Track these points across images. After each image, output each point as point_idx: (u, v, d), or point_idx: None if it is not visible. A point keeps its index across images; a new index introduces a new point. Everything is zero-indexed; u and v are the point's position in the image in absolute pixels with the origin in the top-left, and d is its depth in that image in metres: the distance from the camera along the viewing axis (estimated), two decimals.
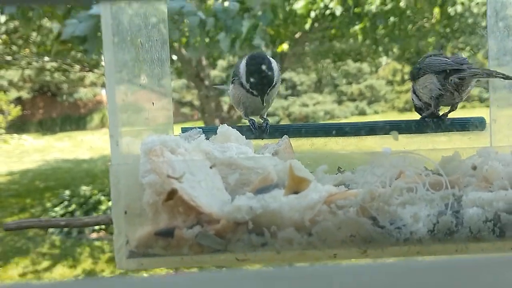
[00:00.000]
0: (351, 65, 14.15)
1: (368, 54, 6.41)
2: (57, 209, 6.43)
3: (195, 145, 0.72)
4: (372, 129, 0.92)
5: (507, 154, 0.69)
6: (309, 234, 0.57)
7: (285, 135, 0.89)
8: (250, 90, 0.96)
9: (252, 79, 0.96)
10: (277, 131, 0.94)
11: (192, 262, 0.58)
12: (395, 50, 5.48)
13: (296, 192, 0.59)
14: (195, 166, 0.62)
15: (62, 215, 6.10)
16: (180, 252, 0.57)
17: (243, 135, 0.82)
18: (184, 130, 0.94)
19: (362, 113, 17.26)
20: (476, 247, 0.56)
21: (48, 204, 7.18)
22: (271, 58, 0.98)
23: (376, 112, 17.02)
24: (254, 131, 0.95)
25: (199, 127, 0.93)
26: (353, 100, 17.83)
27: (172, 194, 0.57)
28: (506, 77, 0.84)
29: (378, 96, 17.48)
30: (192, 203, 0.57)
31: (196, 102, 8.54)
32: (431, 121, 0.94)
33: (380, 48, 5.32)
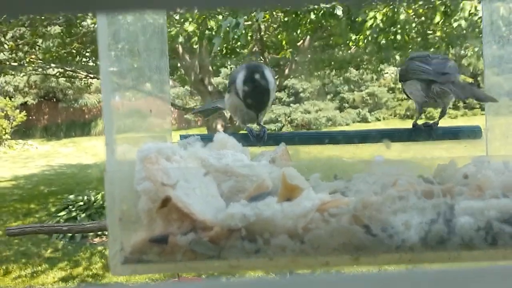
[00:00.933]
0: (353, 73, 14.17)
1: (370, 61, 6.43)
2: (61, 214, 6.46)
3: (191, 152, 0.73)
4: (364, 137, 0.93)
5: (500, 162, 0.69)
6: (301, 242, 0.57)
7: (282, 143, 0.89)
8: (247, 107, 0.98)
9: (249, 99, 0.97)
10: (270, 139, 0.95)
11: (185, 268, 0.59)
12: (397, 57, 5.49)
13: (289, 200, 0.59)
14: (190, 173, 0.63)
15: (66, 220, 6.13)
16: (174, 258, 0.58)
17: (240, 142, 0.82)
18: (182, 137, 0.95)
19: (364, 120, 17.28)
20: (468, 255, 0.57)
21: (53, 209, 7.22)
22: (267, 69, 0.98)
23: (378, 119, 17.03)
24: (252, 139, 0.96)
25: (197, 135, 0.94)
26: (355, 107, 17.85)
27: (166, 202, 0.57)
28: (481, 99, 0.85)
29: (380, 104, 17.51)
30: (186, 210, 0.58)
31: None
32: (423, 130, 0.94)
33: (382, 55, 5.34)
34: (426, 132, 0.94)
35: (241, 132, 1.06)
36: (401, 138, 0.94)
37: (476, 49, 4.93)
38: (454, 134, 0.93)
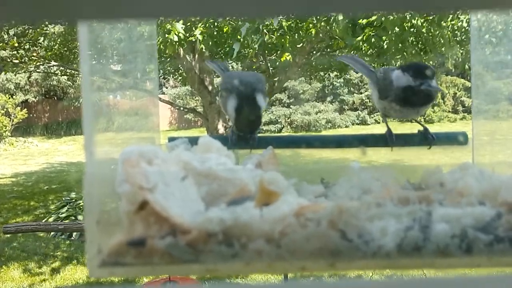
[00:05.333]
0: (353, 75, 14.21)
1: (370, 64, 6.42)
2: (60, 211, 6.48)
3: (175, 155, 0.73)
4: (340, 142, 0.93)
5: (483, 169, 0.70)
6: (278, 246, 0.57)
7: (270, 146, 0.89)
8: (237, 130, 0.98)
9: (240, 126, 0.97)
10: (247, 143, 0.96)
11: (163, 271, 0.59)
12: (397, 59, 5.50)
13: (266, 205, 0.59)
14: (170, 176, 0.63)
15: (65, 218, 6.16)
16: (151, 261, 0.58)
17: (225, 145, 0.83)
18: (171, 139, 0.96)
19: (363, 122, 17.34)
20: (443, 262, 0.57)
21: (52, 207, 7.24)
22: (259, 93, 0.96)
23: (377, 122, 17.09)
24: (232, 145, 0.97)
25: (185, 137, 0.94)
26: (355, 109, 17.90)
27: (143, 205, 0.58)
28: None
29: None
30: (164, 214, 0.58)
31: (200, 109, 8.58)
32: (402, 137, 0.94)
33: (383, 58, 5.35)
34: (403, 139, 0.94)
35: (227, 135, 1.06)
36: (377, 143, 0.95)
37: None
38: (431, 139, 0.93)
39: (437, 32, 5.07)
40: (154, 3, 0.37)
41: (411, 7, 0.49)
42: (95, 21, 0.57)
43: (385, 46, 4.95)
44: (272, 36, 5.84)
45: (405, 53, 5.09)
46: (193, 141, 0.89)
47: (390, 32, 4.70)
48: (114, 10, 0.42)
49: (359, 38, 4.87)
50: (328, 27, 5.16)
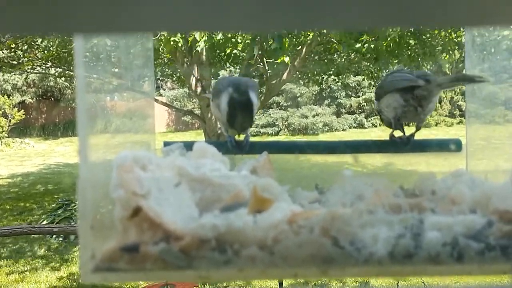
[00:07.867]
0: (350, 79, 14.25)
1: (368, 68, 6.45)
2: (56, 212, 6.46)
3: (169, 161, 0.73)
4: (332, 149, 0.93)
5: (474, 177, 0.70)
6: (271, 253, 0.58)
7: (265, 151, 0.90)
8: (229, 126, 0.98)
9: (232, 121, 0.97)
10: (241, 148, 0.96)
11: (156, 277, 0.59)
12: (395, 63, 5.52)
13: (260, 211, 0.60)
14: (164, 182, 0.63)
15: (62, 219, 6.14)
16: (144, 267, 0.58)
17: (220, 151, 0.83)
18: (166, 143, 0.96)
19: (361, 126, 17.39)
20: (434, 270, 0.57)
21: (48, 208, 7.22)
22: (252, 90, 0.96)
23: (374, 125, 17.15)
24: (231, 149, 0.97)
25: (181, 142, 0.95)
26: (352, 113, 17.97)
27: (137, 211, 0.58)
28: (471, 80, 0.86)
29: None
30: (157, 220, 0.58)
31: (197, 111, 8.58)
32: (395, 143, 0.94)
33: (380, 63, 5.37)
34: (395, 146, 0.94)
35: (222, 140, 1.06)
36: (369, 150, 0.94)
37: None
38: (425, 147, 0.93)
39: (435, 34, 5.09)
40: (151, 17, 0.37)
41: (407, 23, 0.49)
42: (92, 34, 0.57)
43: (383, 49, 4.97)
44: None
45: (401, 54, 5.11)
46: (189, 146, 0.90)
47: (387, 38, 4.72)
48: (111, 24, 0.42)
49: (358, 44, 4.90)
50: (326, 31, 5.18)
